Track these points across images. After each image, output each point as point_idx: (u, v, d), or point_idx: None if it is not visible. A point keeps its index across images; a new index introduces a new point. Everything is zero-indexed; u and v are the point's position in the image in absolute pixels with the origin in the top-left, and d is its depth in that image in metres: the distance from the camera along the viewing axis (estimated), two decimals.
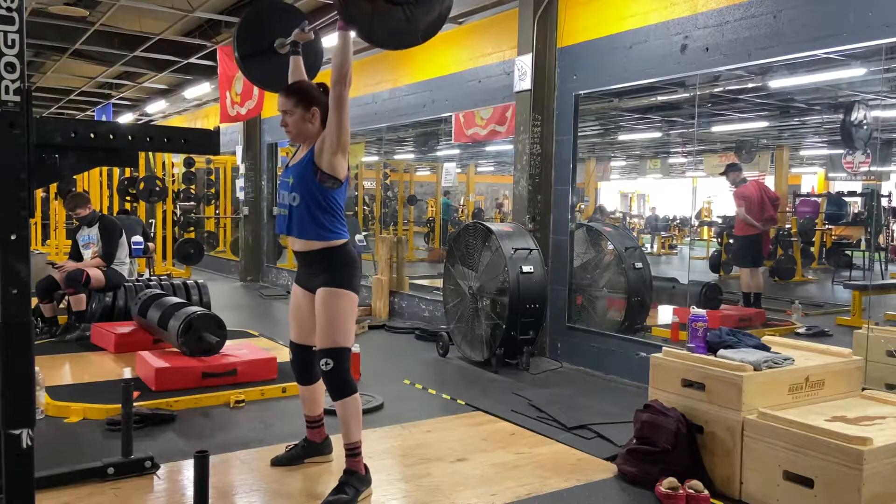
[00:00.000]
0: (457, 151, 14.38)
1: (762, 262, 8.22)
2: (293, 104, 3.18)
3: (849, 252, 11.42)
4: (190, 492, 2.88)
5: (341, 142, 3.07)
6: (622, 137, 13.35)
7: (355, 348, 4.96)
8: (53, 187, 10.92)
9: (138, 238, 7.69)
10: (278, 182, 3.43)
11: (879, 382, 4.15)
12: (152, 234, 9.66)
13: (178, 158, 12.68)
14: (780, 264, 10.88)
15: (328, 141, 3.07)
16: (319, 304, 3.15)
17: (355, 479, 3.14)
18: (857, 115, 6.93)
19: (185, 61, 10.85)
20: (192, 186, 12.18)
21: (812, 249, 11.80)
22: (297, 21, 3.57)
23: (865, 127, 7.02)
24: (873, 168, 9.35)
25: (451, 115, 7.70)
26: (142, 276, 7.39)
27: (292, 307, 3.42)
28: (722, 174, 7.86)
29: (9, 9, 1.82)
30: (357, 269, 3.24)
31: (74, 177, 10.07)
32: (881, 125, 7.68)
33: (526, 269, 5.58)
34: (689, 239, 17.24)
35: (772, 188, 13.27)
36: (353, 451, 3.16)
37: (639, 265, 6.53)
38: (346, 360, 3.14)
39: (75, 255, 6.55)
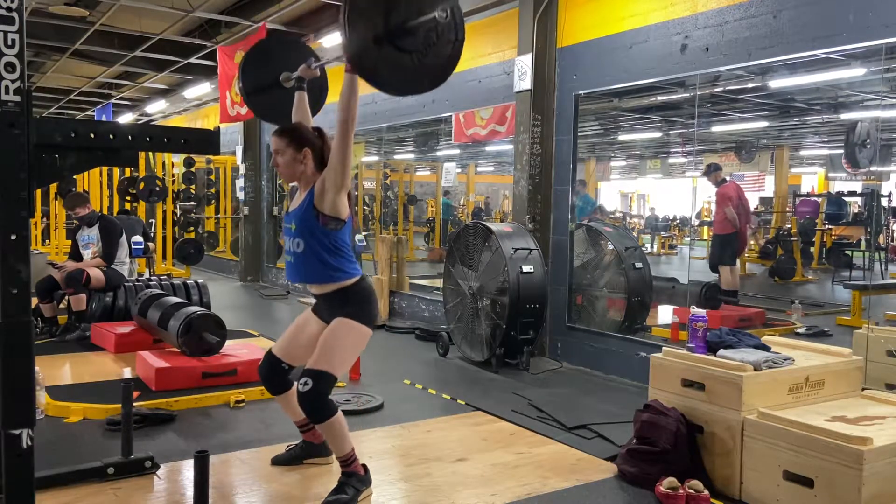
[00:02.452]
0: (457, 151, 14.35)
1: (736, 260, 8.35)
2: (285, 144, 3.16)
3: (849, 252, 11.40)
4: (190, 492, 2.88)
5: (344, 182, 3.04)
6: (622, 137, 13.33)
7: None
8: (53, 187, 10.91)
9: (138, 238, 7.69)
10: (282, 226, 3.39)
11: (879, 382, 4.15)
12: (152, 234, 9.66)
13: (178, 158, 12.66)
14: (780, 264, 10.88)
15: (329, 181, 3.03)
16: (330, 328, 3.13)
17: (355, 479, 3.13)
18: (861, 133, 6.92)
19: (185, 61, 10.85)
20: (192, 186, 12.17)
21: (812, 249, 11.78)
22: (304, 56, 3.54)
23: (869, 146, 7.02)
24: (873, 168, 9.35)
25: (451, 115, 7.70)
26: (142, 276, 7.40)
27: (295, 323, 3.38)
28: (704, 174, 7.88)
29: (9, 9, 1.82)
30: (373, 303, 3.22)
31: (74, 177, 10.07)
32: (881, 125, 7.68)
33: (526, 269, 5.58)
34: (689, 239, 17.22)
35: (772, 188, 13.36)
36: (346, 462, 3.14)
37: (639, 265, 6.53)
38: (328, 386, 3.05)
39: (75, 255, 6.55)
